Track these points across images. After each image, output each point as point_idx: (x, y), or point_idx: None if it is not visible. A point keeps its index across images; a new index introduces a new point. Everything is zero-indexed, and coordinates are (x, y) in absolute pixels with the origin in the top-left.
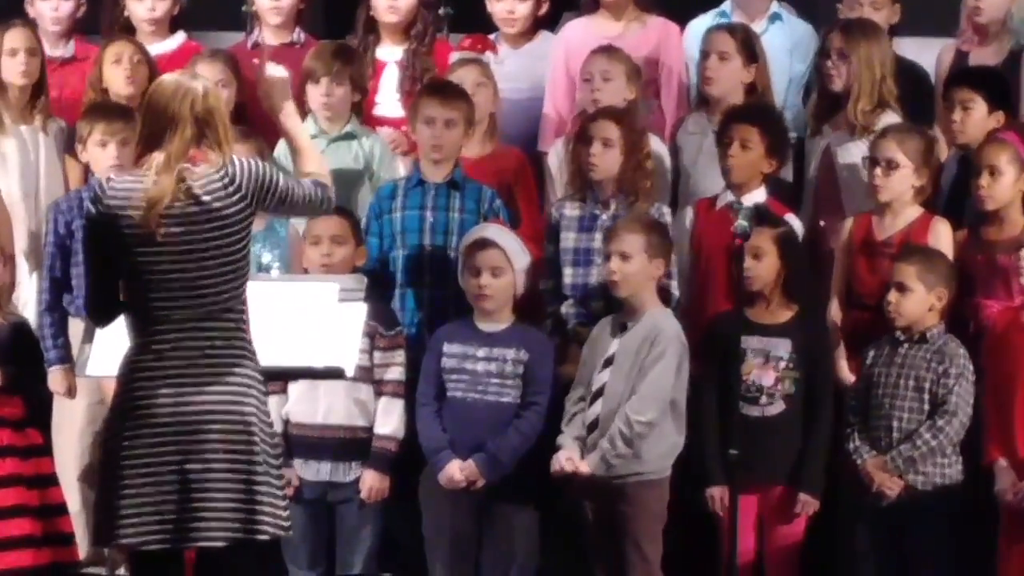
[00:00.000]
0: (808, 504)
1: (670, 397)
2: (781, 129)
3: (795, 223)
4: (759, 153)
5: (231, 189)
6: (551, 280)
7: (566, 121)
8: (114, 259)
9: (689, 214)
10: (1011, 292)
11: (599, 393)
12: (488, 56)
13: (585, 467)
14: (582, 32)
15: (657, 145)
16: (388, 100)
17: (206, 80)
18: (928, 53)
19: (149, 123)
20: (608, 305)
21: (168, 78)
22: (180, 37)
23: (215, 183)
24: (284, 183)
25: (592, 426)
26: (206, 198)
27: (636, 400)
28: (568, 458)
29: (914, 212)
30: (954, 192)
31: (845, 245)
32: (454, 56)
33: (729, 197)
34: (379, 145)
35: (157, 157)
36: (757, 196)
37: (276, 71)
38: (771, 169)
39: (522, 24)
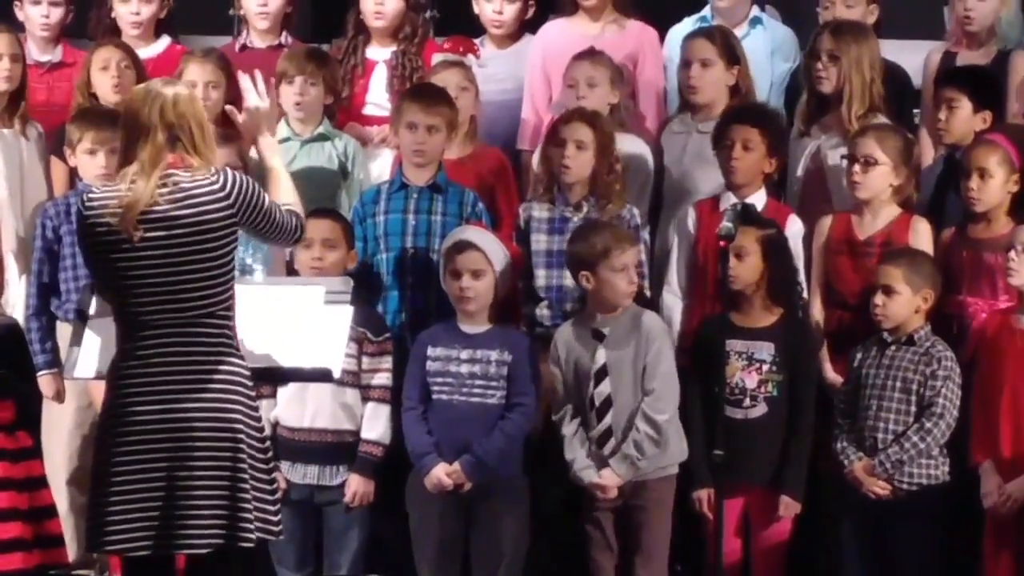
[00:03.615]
0: (790, 506)
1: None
2: (780, 128)
3: (796, 224)
4: (761, 153)
5: (220, 195)
6: (522, 281)
7: (544, 121)
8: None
9: (692, 215)
10: (996, 290)
11: (606, 406)
12: (470, 59)
13: (615, 480)
14: (559, 34)
15: (639, 146)
16: (377, 100)
17: (179, 86)
18: (907, 55)
19: (125, 134)
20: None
21: (139, 87)
22: (165, 41)
23: (203, 188)
24: (270, 207)
25: (604, 438)
26: (192, 202)
27: (653, 400)
28: (601, 483)
29: (893, 211)
30: (938, 191)
31: (824, 244)
32: (436, 58)
33: (732, 199)
34: (352, 145)
35: (134, 166)
36: (759, 197)
37: (260, 102)
38: (771, 169)
39: (509, 27)
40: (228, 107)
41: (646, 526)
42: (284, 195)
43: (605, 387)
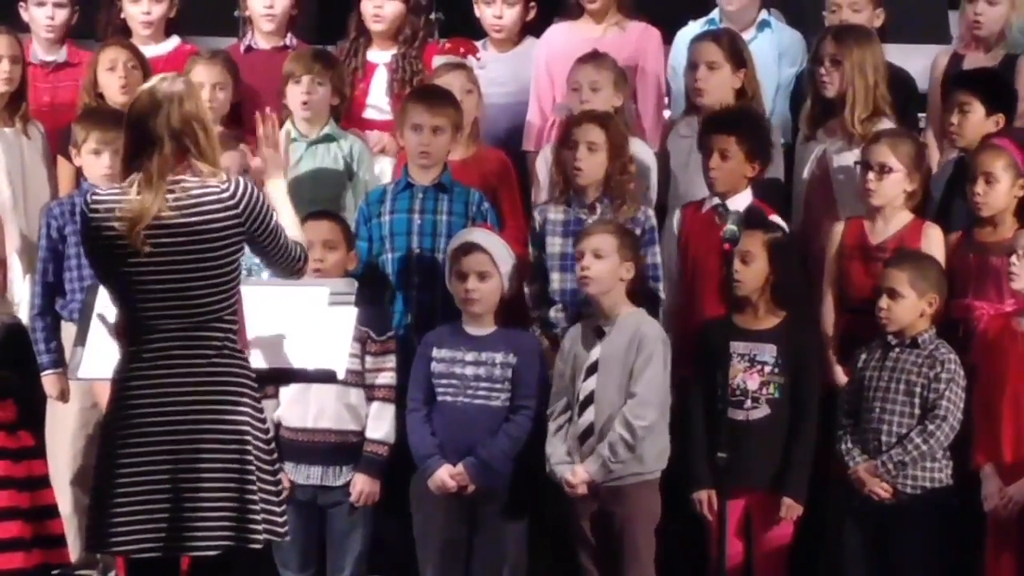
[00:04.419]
0: (792, 509)
1: (666, 398)
2: (759, 132)
3: (781, 224)
4: (739, 160)
5: (229, 203)
6: (535, 284)
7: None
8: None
9: (677, 217)
10: (1002, 294)
11: (588, 401)
12: (470, 60)
13: (584, 475)
14: (562, 36)
15: (642, 148)
16: (377, 103)
17: (179, 83)
18: (913, 60)
19: (130, 140)
20: None
21: (144, 93)
22: (174, 40)
23: (211, 195)
24: (277, 224)
25: (585, 434)
26: (199, 209)
27: (635, 404)
28: (571, 480)
29: (906, 217)
30: (948, 194)
31: (837, 249)
32: (437, 60)
33: (715, 200)
34: (358, 146)
35: (140, 175)
36: (743, 199)
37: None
38: (754, 173)
39: (510, 30)
40: (243, 146)
41: (627, 533)
42: (290, 230)
43: (592, 383)
